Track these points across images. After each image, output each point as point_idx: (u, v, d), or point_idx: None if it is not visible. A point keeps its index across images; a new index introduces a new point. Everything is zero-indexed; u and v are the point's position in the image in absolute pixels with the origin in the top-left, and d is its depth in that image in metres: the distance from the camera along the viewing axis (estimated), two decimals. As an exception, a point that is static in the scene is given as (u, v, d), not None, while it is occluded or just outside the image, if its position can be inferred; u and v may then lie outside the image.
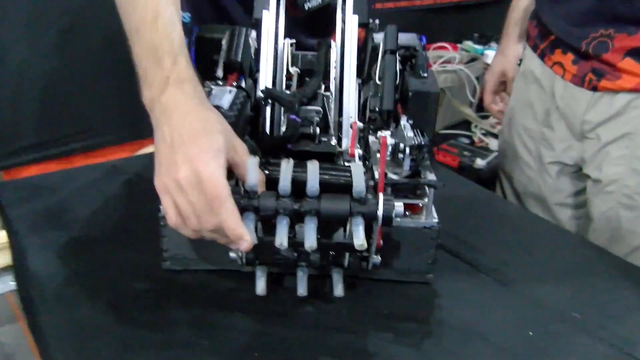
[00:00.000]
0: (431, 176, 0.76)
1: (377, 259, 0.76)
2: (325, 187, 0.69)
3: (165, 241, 0.80)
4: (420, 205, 0.79)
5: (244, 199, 0.68)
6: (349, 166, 0.78)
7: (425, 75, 0.83)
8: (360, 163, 0.68)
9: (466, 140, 2.23)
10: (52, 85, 1.61)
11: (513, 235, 0.93)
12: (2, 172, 1.63)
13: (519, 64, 1.28)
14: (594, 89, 1.06)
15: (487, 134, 2.23)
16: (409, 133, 0.75)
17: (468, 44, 2.50)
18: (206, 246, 0.79)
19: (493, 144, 2.16)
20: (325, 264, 0.76)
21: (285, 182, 0.68)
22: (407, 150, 0.75)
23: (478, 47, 2.50)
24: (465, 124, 2.34)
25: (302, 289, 0.75)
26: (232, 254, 0.76)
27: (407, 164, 0.76)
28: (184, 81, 0.69)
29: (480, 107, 2.26)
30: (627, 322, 0.76)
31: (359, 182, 0.68)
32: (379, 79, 0.84)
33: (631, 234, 1.06)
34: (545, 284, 0.82)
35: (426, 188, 0.78)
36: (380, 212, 0.67)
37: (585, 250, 0.93)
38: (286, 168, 0.69)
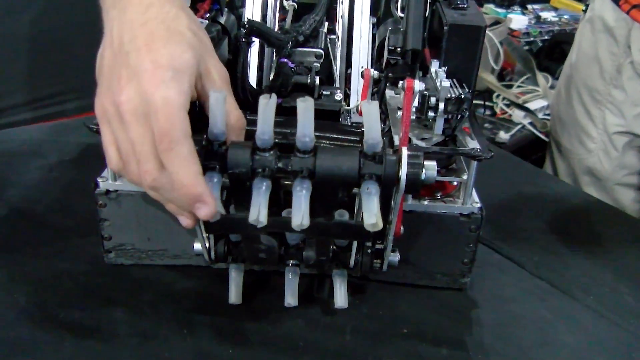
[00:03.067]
0: (473, 143, 0.55)
1: (394, 256, 0.55)
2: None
3: (106, 226, 0.59)
4: (455, 183, 0.58)
5: (206, 151, 0.46)
6: (358, 124, 0.56)
7: (466, 5, 0.60)
8: (375, 102, 0.45)
9: (487, 112, 2.01)
10: (42, 36, 1.43)
11: (570, 227, 0.72)
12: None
13: (584, 10, 1.05)
14: None
15: (511, 104, 2.01)
16: (444, 81, 0.54)
17: (490, 7, 2.28)
18: (163, 235, 0.59)
19: (517, 115, 1.94)
20: (323, 262, 0.55)
21: (265, 127, 0.45)
22: (442, 105, 0.53)
23: (501, 10, 2.28)
24: (486, 94, 2.11)
25: (290, 298, 0.54)
26: (196, 245, 0.55)
27: (439, 126, 0.55)
28: None
29: (502, 76, 2.04)
30: None
31: (373, 127, 0.45)
32: (402, 10, 0.61)
33: None
34: (618, 292, 0.61)
35: (463, 160, 0.57)
36: (404, 173, 0.45)
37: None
38: (266, 108, 0.45)
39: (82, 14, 1.44)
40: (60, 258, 0.61)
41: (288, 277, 0.55)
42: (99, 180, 0.57)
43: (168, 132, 0.43)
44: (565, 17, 2.21)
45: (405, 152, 0.45)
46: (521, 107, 1.91)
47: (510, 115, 1.98)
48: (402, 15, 0.63)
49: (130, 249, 0.60)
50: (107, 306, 0.55)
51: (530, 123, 1.82)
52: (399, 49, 0.60)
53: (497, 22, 2.19)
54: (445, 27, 0.57)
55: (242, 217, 0.47)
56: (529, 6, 2.30)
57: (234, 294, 0.56)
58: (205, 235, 0.53)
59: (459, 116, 0.54)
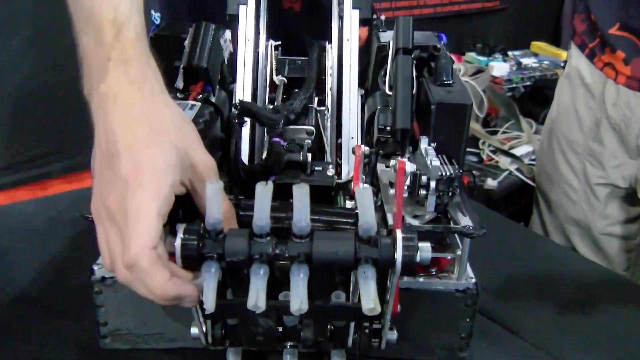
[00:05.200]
0: (465, 220, 0.55)
1: (392, 334, 0.55)
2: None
3: (102, 312, 0.58)
4: (449, 257, 0.58)
5: (205, 240, 0.46)
6: (352, 208, 0.57)
7: (451, 81, 0.62)
8: (368, 186, 0.46)
9: (474, 158, 2.03)
10: (24, 98, 1.40)
11: (563, 290, 0.73)
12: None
13: (563, 66, 1.09)
14: None
15: (497, 150, 2.04)
16: (434, 161, 0.55)
17: (471, 55, 2.34)
18: (159, 319, 0.59)
19: (503, 161, 1.96)
20: (321, 343, 0.55)
21: (261, 214, 0.46)
22: (433, 184, 0.54)
23: (482, 58, 2.33)
24: (472, 141, 2.15)
25: (289, 381, 0.54)
26: (193, 330, 0.55)
27: (431, 204, 0.56)
28: (130, 62, 0.48)
29: (487, 122, 2.08)
30: None
31: (367, 212, 0.46)
32: (390, 88, 0.63)
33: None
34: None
35: (457, 237, 0.57)
36: (399, 256, 0.46)
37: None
38: (262, 195, 0.46)
39: (66, 76, 1.44)
40: (54, 342, 0.61)
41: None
42: (95, 267, 0.57)
43: (128, 248, 0.43)
44: (546, 62, 2.27)
45: (399, 235, 0.46)
46: (507, 153, 1.94)
47: (496, 161, 2.01)
48: (389, 92, 0.65)
49: (126, 334, 0.60)
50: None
51: (517, 169, 1.85)
52: (388, 128, 0.61)
53: (479, 71, 2.24)
54: (432, 106, 0.59)
55: (240, 303, 0.47)
56: (510, 53, 2.36)
57: (233, 380, 0.55)
58: (202, 319, 0.53)
59: (450, 194, 0.55)
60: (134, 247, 0.43)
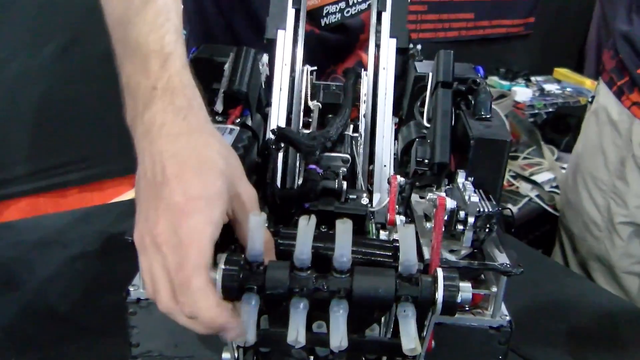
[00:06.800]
0: (502, 257, 0.55)
1: (425, 368, 0.55)
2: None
3: (134, 333, 0.59)
4: (482, 294, 0.58)
5: (244, 272, 0.47)
6: (389, 240, 0.57)
7: (490, 116, 0.62)
8: (411, 225, 0.47)
9: (494, 184, 2.02)
10: (46, 108, 1.45)
11: (593, 329, 0.72)
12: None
13: (590, 101, 1.09)
14: None
15: (517, 176, 2.03)
16: (473, 197, 0.55)
17: (494, 79, 2.34)
18: (190, 342, 0.59)
19: (524, 187, 1.95)
20: (352, 374, 0.55)
21: (304, 248, 0.46)
22: (471, 220, 0.54)
23: (505, 82, 2.33)
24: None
25: (320, 412, 0.53)
26: (225, 355, 0.55)
27: (468, 239, 0.55)
28: (176, 92, 0.49)
29: (508, 147, 2.07)
30: None
31: (409, 250, 0.46)
32: (429, 121, 0.64)
33: None
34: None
35: (492, 274, 0.57)
36: (440, 296, 0.46)
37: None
38: (305, 229, 0.47)
39: (88, 87, 1.46)
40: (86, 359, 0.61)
41: (317, 390, 0.55)
42: (131, 288, 0.57)
43: (183, 266, 0.43)
44: (569, 89, 2.26)
45: (441, 274, 0.46)
46: (528, 179, 1.93)
47: (517, 187, 2.00)
48: (427, 124, 0.65)
49: (157, 356, 0.60)
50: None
51: (537, 195, 1.83)
52: (426, 161, 0.61)
53: (502, 96, 2.24)
54: (471, 141, 0.59)
55: (278, 334, 0.47)
56: (533, 78, 2.35)
57: (263, 407, 0.55)
58: (234, 345, 0.54)
59: (488, 231, 0.55)
60: (189, 266, 0.43)
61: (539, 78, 2.36)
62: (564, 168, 1.80)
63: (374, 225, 0.67)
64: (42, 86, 1.44)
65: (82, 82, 1.48)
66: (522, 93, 2.17)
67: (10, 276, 0.74)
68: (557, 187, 1.81)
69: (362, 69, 0.77)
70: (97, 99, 1.47)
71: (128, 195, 1.37)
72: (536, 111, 2.14)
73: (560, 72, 2.34)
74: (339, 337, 0.45)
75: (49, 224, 0.86)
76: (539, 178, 1.93)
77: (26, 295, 0.70)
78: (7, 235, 0.82)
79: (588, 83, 2.25)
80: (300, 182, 0.65)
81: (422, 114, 0.70)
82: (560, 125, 2.14)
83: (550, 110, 2.16)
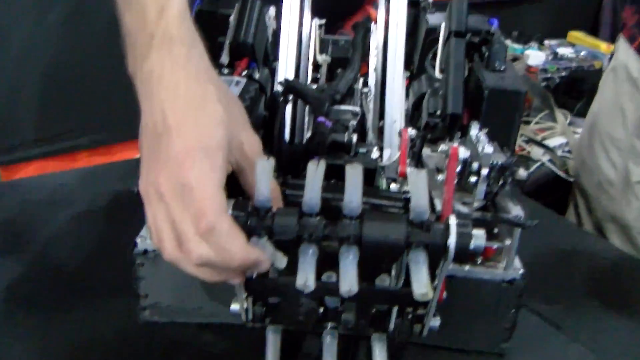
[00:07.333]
0: (516, 209, 0.54)
1: (435, 321, 0.54)
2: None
3: (142, 284, 0.58)
4: (495, 247, 0.57)
5: (252, 218, 0.45)
6: (400, 192, 0.56)
7: (504, 68, 0.60)
8: (424, 171, 0.45)
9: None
10: (55, 74, 1.42)
11: (605, 287, 0.71)
12: (-1, 170, 1.45)
13: (610, 58, 1.05)
14: None
15: (529, 140, 2.00)
16: (487, 147, 0.53)
17: (507, 43, 2.28)
18: (199, 293, 0.58)
19: (535, 152, 1.93)
20: (361, 325, 0.54)
21: (312, 193, 0.45)
22: (485, 171, 0.53)
23: (517, 46, 2.28)
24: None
25: (329, 363, 0.53)
26: (234, 306, 0.55)
27: (481, 192, 0.54)
28: (174, 40, 0.48)
29: (520, 112, 2.04)
30: None
31: (421, 196, 0.45)
32: (441, 71, 0.62)
33: None
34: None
35: (506, 227, 0.56)
36: (452, 242, 0.44)
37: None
38: (315, 173, 0.45)
39: (95, 52, 1.45)
40: (93, 317, 0.61)
41: (326, 342, 0.54)
42: (138, 240, 0.57)
43: (204, 214, 0.43)
44: (583, 53, 2.21)
45: (453, 220, 0.45)
46: (540, 144, 1.90)
47: (529, 152, 1.98)
48: (438, 75, 0.63)
49: (165, 307, 0.60)
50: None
51: (549, 160, 1.81)
52: (438, 112, 0.60)
53: (514, 59, 2.19)
54: (485, 91, 0.57)
55: (287, 282, 0.47)
56: (546, 42, 2.30)
57: (272, 358, 0.55)
58: (244, 296, 0.53)
59: (501, 183, 0.54)
60: (210, 213, 0.42)
61: (553, 41, 2.30)
62: (576, 133, 1.77)
63: (384, 180, 0.66)
64: (49, 52, 1.43)
65: (89, 47, 1.46)
66: (535, 57, 2.12)
67: (16, 234, 0.73)
68: (569, 151, 1.79)
69: (372, 23, 0.75)
70: (105, 63, 1.45)
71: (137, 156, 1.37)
72: (549, 75, 2.10)
73: (575, 35, 2.28)
74: (348, 283, 0.44)
75: (56, 182, 0.85)
76: (551, 143, 1.90)
77: (32, 253, 0.70)
78: (14, 193, 0.81)
79: (603, 46, 2.19)
80: (308, 135, 0.64)
81: (434, 67, 0.68)
82: (574, 90, 2.09)
83: (564, 74, 2.11)
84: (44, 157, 1.49)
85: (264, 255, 0.45)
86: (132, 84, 0.49)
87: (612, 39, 2.30)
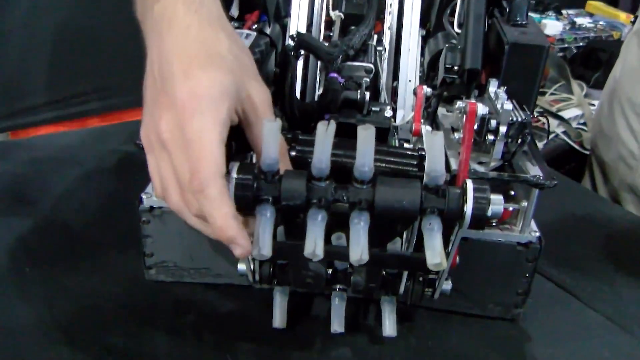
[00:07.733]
0: (534, 170, 0.52)
1: (447, 284, 0.53)
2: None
3: (148, 242, 0.57)
4: (511, 209, 0.55)
5: (258, 181, 0.43)
6: (415, 148, 0.54)
7: (526, 22, 0.58)
8: (440, 132, 0.43)
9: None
10: (66, 36, 1.40)
11: (622, 254, 0.69)
12: (9, 133, 1.44)
13: (633, 21, 1.01)
14: None
15: (544, 112, 1.97)
16: (506, 104, 0.51)
17: (524, 11, 2.22)
18: (205, 253, 0.57)
19: (551, 123, 1.90)
20: (371, 288, 0.53)
21: (322, 155, 0.42)
22: (503, 129, 0.51)
23: (535, 15, 2.22)
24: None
25: (337, 324, 0.52)
26: (240, 266, 0.53)
27: (499, 150, 0.52)
28: None
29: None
30: None
31: (437, 159, 0.42)
32: (459, 26, 0.59)
33: None
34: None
35: (522, 187, 0.54)
36: (469, 209, 0.42)
37: None
38: (324, 135, 0.42)
39: (106, 15, 1.42)
40: (99, 274, 0.60)
41: (335, 303, 0.53)
42: (143, 196, 0.55)
43: (198, 172, 0.41)
44: (601, 23, 2.15)
45: (470, 185, 0.43)
46: (555, 115, 1.87)
47: (543, 123, 1.94)
48: (456, 30, 0.60)
49: (171, 267, 0.59)
50: (148, 329, 0.54)
51: (564, 132, 1.78)
52: (456, 68, 0.57)
53: (531, 28, 2.13)
54: (506, 46, 0.54)
55: (295, 246, 0.45)
56: (564, 11, 2.24)
57: (279, 319, 0.54)
58: (251, 257, 0.52)
59: (520, 142, 0.52)
60: (204, 173, 0.40)
61: (571, 11, 2.24)
62: (592, 105, 1.73)
63: (397, 142, 0.64)
64: (59, 16, 1.40)
65: (100, 11, 1.44)
66: (552, 26, 2.07)
67: (24, 192, 0.72)
68: (584, 123, 1.75)
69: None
70: (116, 28, 1.43)
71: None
72: (566, 45, 2.05)
73: (594, 4, 2.22)
74: (359, 251, 0.42)
75: (64, 141, 0.84)
76: (567, 114, 1.87)
77: (41, 211, 0.69)
78: (22, 152, 0.80)
79: (623, 17, 2.13)
80: (320, 92, 0.62)
81: (452, 24, 0.65)
82: (591, 61, 2.04)
83: (581, 44, 2.06)
84: (54, 122, 1.49)
85: (242, 237, 0.42)
86: (141, 34, 0.48)
87: (633, 9, 2.23)
